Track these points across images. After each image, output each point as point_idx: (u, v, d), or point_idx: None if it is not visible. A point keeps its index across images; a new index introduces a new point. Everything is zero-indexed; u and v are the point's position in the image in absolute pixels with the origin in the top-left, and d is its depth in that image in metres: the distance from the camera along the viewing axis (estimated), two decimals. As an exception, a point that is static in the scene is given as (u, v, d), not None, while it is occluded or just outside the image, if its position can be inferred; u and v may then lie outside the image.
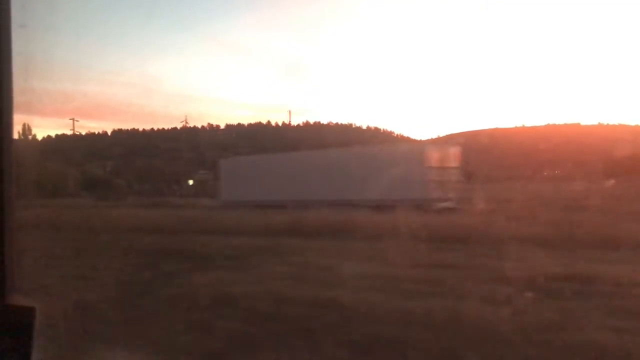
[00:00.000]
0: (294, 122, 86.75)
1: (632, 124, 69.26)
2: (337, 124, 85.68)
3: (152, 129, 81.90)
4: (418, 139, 72.17)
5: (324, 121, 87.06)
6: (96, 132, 72.85)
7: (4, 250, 1.58)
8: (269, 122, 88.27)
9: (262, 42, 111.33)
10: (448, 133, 66.99)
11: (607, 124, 68.52)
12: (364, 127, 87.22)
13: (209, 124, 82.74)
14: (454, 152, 22.56)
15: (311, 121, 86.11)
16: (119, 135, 77.49)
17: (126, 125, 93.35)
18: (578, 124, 68.41)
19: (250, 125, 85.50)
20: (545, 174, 39.28)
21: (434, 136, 70.20)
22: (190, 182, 51.68)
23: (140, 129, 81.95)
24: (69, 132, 65.10)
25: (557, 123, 67.85)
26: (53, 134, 63.71)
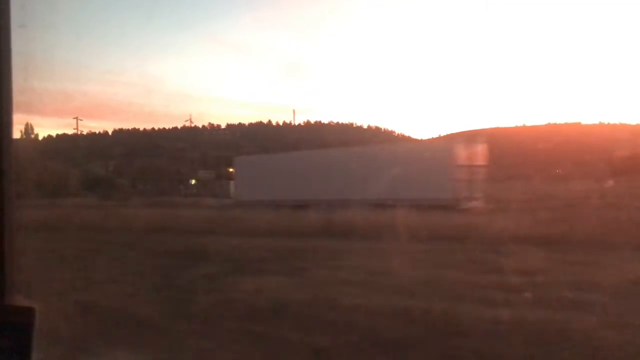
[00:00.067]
0: (295, 122, 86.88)
1: (633, 123, 69.33)
2: (337, 123, 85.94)
3: (153, 128, 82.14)
4: (419, 138, 72.26)
5: (325, 120, 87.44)
6: (97, 132, 72.96)
7: (4, 250, 1.58)
8: (269, 121, 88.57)
9: (263, 42, 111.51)
10: (448, 133, 67.03)
11: (608, 123, 68.66)
12: (365, 126, 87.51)
13: (209, 123, 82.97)
14: (481, 150, 21.69)
15: (312, 120, 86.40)
16: (120, 134, 77.65)
17: (127, 125, 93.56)
18: (579, 123, 68.51)
19: (251, 124, 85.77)
20: (551, 173, 39.20)
21: (435, 136, 70.27)
22: (193, 181, 51.67)
23: (141, 128, 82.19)
24: (70, 132, 65.21)
25: (557, 122, 67.96)
26: (54, 134, 63.90)
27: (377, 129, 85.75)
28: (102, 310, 6.55)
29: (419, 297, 6.75)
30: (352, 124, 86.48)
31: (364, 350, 5.02)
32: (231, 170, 48.85)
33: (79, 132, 62.04)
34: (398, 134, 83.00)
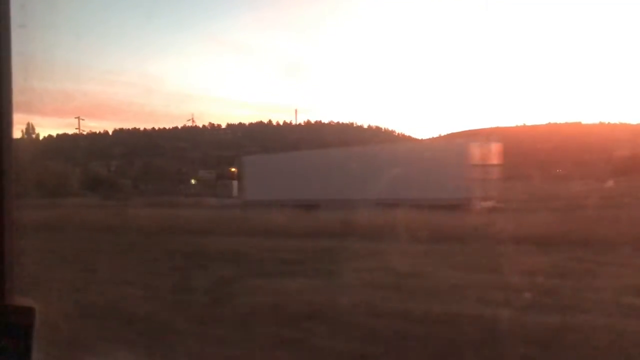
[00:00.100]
0: (294, 122, 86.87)
1: (634, 123, 69.23)
2: (338, 123, 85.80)
3: (154, 128, 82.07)
4: (419, 137, 72.23)
5: (325, 120, 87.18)
6: (97, 132, 72.84)
7: (4, 250, 1.58)
8: (270, 121, 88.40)
9: (263, 42, 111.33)
10: (449, 132, 66.99)
11: (609, 123, 68.56)
12: (365, 126, 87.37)
13: (210, 123, 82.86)
14: (495, 148, 21.53)
15: (312, 120, 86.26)
16: (120, 134, 77.58)
17: (127, 125, 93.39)
18: (579, 123, 68.38)
19: (251, 124, 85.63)
20: (551, 172, 39.18)
21: (435, 135, 70.22)
22: (193, 181, 51.66)
23: (141, 128, 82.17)
24: (70, 132, 65.16)
25: (558, 122, 67.88)
26: (54, 134, 63.84)
27: (378, 128, 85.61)
28: (122, 314, 6.26)
29: (461, 301, 6.35)
30: (352, 124, 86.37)
31: (429, 357, 4.73)
32: (233, 170, 49.02)
33: (83, 132, 62.01)
34: (398, 134, 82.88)
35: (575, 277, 7.50)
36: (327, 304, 6.45)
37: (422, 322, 5.51)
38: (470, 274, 7.94)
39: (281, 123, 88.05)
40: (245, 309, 6.44)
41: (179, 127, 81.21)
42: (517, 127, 62.59)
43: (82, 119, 57.53)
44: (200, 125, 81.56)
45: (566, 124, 67.29)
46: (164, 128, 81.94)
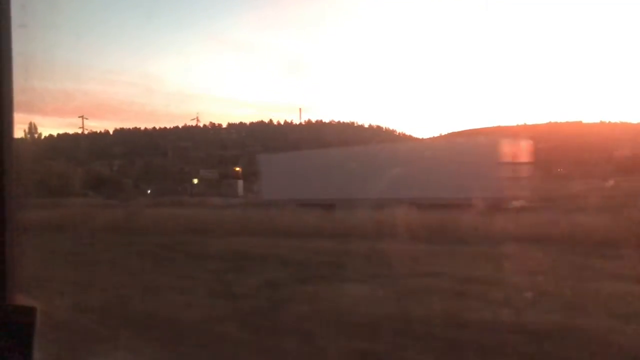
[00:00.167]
0: (296, 121, 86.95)
1: (634, 122, 69.24)
2: (339, 122, 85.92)
3: (154, 127, 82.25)
4: (420, 137, 72.23)
5: (326, 119, 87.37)
6: (98, 131, 72.96)
7: (5, 250, 1.58)
8: (270, 120, 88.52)
9: (264, 41, 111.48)
10: (449, 131, 67.00)
11: (609, 122, 68.56)
12: (366, 125, 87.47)
13: (210, 122, 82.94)
14: (526, 146, 21.10)
15: (313, 119, 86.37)
16: (121, 134, 77.70)
17: (128, 125, 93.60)
18: (580, 122, 68.40)
19: (252, 123, 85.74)
20: (552, 172, 39.11)
21: (435, 135, 70.26)
22: (195, 181, 51.64)
23: (142, 128, 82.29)
24: (71, 131, 65.25)
25: (558, 121, 67.87)
26: (54, 133, 63.94)
27: (378, 128, 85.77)
28: (169, 323, 5.72)
29: (549, 310, 5.61)
30: (353, 123, 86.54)
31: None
32: (238, 169, 48.98)
33: (84, 131, 62.03)
34: (399, 133, 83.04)
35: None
36: (398, 313, 5.74)
37: (531, 335, 4.81)
38: (537, 279, 7.10)
39: (282, 122, 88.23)
40: (305, 317, 5.85)
41: (180, 126, 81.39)
42: (517, 126, 62.53)
43: (86, 118, 57.58)
44: (201, 125, 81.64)
45: (567, 123, 67.39)
46: (165, 128, 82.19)
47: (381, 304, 6.29)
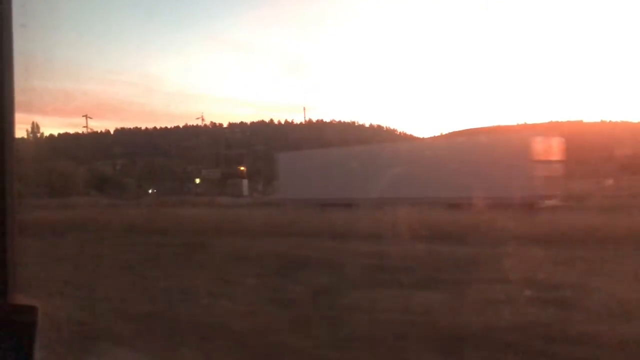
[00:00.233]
0: (297, 120, 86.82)
1: (635, 121, 69.16)
2: (339, 121, 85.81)
3: (155, 127, 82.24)
4: (420, 136, 72.17)
5: (327, 119, 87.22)
6: (99, 131, 72.95)
7: (6, 249, 1.58)
8: (271, 120, 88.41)
9: (264, 41, 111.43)
10: (450, 131, 66.93)
11: (610, 121, 68.43)
12: (367, 124, 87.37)
13: (211, 122, 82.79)
14: (558, 144, 20.93)
15: (314, 119, 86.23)
16: (122, 134, 77.69)
17: (128, 124, 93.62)
18: (580, 122, 68.24)
19: (252, 123, 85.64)
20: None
21: (436, 134, 70.17)
22: (197, 180, 51.59)
23: (143, 127, 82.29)
24: (72, 131, 65.34)
25: (559, 120, 67.72)
26: (55, 133, 64.01)
27: (379, 127, 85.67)
28: (227, 332, 5.22)
29: None
30: (353, 123, 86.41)
31: None
32: (242, 168, 48.93)
33: (84, 131, 62.03)
34: (400, 133, 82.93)
35: None
36: (483, 324, 5.09)
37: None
38: (616, 285, 6.51)
39: (282, 122, 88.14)
40: (376, 328, 5.27)
41: (181, 126, 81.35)
42: (518, 125, 62.40)
43: (90, 118, 57.60)
44: (202, 125, 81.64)
45: (568, 122, 67.21)
46: (166, 127, 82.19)
47: (453, 312, 5.71)
